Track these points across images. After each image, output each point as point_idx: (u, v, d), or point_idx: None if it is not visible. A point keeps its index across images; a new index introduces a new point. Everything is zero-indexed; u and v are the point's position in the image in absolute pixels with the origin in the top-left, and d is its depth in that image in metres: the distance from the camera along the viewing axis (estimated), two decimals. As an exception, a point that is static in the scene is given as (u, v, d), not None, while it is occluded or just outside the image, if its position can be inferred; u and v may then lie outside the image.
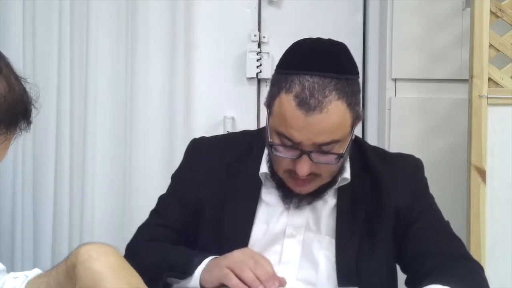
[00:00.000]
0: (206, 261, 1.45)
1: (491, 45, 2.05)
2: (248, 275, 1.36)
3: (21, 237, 2.33)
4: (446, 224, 1.60)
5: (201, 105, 2.48)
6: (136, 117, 2.44)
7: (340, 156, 1.45)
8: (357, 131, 2.53)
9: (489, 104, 2.04)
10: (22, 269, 1.24)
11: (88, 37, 2.39)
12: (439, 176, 2.34)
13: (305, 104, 1.40)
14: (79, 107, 2.40)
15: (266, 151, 1.58)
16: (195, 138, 1.69)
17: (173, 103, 2.44)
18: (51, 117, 2.35)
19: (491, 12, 2.04)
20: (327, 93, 1.41)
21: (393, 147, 2.37)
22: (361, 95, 1.52)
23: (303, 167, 1.43)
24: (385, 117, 2.43)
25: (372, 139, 2.47)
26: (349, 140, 1.48)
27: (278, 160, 1.47)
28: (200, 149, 1.66)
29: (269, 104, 1.49)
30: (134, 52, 2.42)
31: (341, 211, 1.54)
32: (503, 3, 2.08)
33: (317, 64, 1.44)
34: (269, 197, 1.57)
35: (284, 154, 1.45)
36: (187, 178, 1.63)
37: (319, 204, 1.56)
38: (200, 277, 1.43)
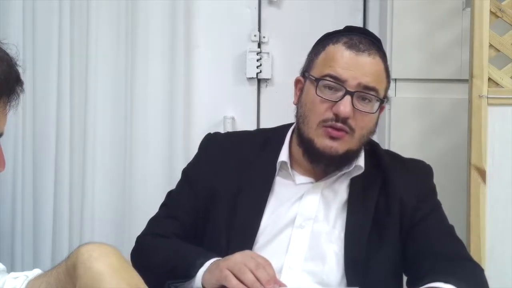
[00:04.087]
0: (208, 263, 1.46)
1: (491, 45, 2.05)
2: (248, 277, 1.37)
3: (21, 237, 2.32)
4: (450, 227, 1.63)
5: (201, 105, 2.48)
6: (136, 117, 2.44)
7: (379, 103, 1.52)
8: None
9: (489, 104, 2.04)
10: (22, 269, 1.25)
11: (88, 37, 2.39)
12: (439, 176, 2.33)
13: (355, 47, 1.52)
14: (79, 107, 2.39)
15: (287, 141, 1.62)
16: (209, 133, 1.73)
17: (173, 103, 2.44)
18: (51, 116, 2.35)
19: (491, 12, 2.04)
20: (372, 47, 1.54)
21: (393, 147, 2.37)
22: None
23: (346, 106, 1.48)
24: (385, 117, 2.42)
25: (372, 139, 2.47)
26: (382, 105, 1.55)
27: (317, 108, 1.51)
28: (215, 143, 1.69)
29: (308, 67, 1.57)
30: (134, 52, 2.42)
31: (352, 206, 1.57)
32: (503, 3, 2.08)
33: (359, 30, 1.60)
34: (281, 188, 1.59)
35: (327, 96, 1.51)
36: (202, 169, 1.65)
37: (330, 196, 1.58)
38: (202, 278, 1.43)
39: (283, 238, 1.55)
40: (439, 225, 1.60)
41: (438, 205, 1.64)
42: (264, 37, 2.49)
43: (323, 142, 1.51)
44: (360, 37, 1.54)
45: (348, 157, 1.55)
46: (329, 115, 1.50)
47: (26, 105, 2.29)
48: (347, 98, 1.48)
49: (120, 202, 2.44)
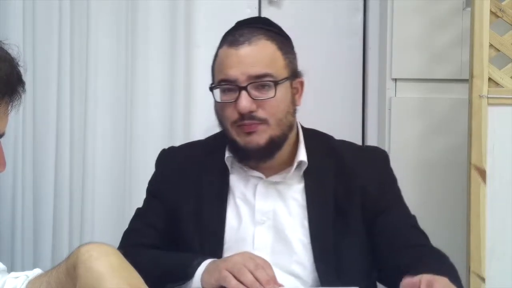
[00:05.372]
0: (205, 263, 1.46)
1: (491, 45, 2.05)
2: (248, 278, 1.37)
3: (21, 237, 2.32)
4: (414, 218, 1.66)
5: (201, 106, 2.48)
6: (136, 118, 2.43)
7: (275, 83, 1.54)
8: (357, 131, 2.56)
9: (489, 104, 2.04)
10: (22, 269, 1.25)
11: (88, 37, 2.39)
12: (439, 176, 2.34)
13: (235, 42, 1.56)
14: (79, 107, 2.39)
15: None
16: (164, 149, 1.77)
17: (173, 103, 2.44)
18: (51, 117, 2.34)
19: (491, 12, 2.04)
20: (255, 34, 1.57)
21: (393, 147, 2.37)
22: (296, 55, 1.64)
23: (242, 102, 1.52)
24: (385, 117, 2.43)
25: (372, 139, 2.47)
26: (287, 85, 1.57)
27: (225, 113, 1.56)
28: (170, 156, 1.73)
29: (212, 78, 1.62)
30: (134, 52, 2.42)
31: (310, 194, 1.59)
32: (503, 3, 2.08)
33: (247, 22, 1.64)
34: (237, 184, 1.63)
35: (226, 99, 1.55)
36: (163, 185, 1.69)
37: (284, 189, 1.60)
38: (201, 278, 1.44)
39: (247, 236, 1.58)
40: (404, 214, 1.64)
41: (399, 192, 1.68)
42: (264, 37, 2.49)
43: (243, 140, 1.56)
44: (243, 29, 1.58)
45: (276, 144, 1.57)
46: (235, 115, 1.54)
47: (26, 105, 2.29)
48: (242, 94, 1.52)
49: (120, 202, 2.44)
